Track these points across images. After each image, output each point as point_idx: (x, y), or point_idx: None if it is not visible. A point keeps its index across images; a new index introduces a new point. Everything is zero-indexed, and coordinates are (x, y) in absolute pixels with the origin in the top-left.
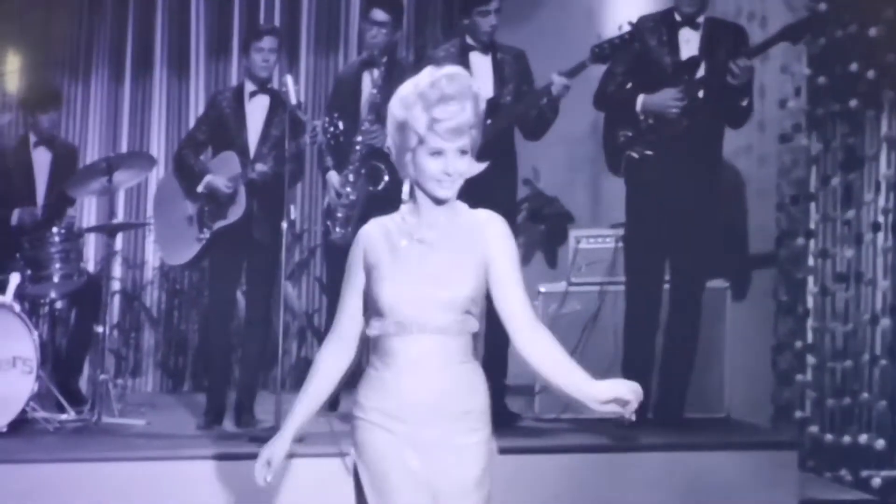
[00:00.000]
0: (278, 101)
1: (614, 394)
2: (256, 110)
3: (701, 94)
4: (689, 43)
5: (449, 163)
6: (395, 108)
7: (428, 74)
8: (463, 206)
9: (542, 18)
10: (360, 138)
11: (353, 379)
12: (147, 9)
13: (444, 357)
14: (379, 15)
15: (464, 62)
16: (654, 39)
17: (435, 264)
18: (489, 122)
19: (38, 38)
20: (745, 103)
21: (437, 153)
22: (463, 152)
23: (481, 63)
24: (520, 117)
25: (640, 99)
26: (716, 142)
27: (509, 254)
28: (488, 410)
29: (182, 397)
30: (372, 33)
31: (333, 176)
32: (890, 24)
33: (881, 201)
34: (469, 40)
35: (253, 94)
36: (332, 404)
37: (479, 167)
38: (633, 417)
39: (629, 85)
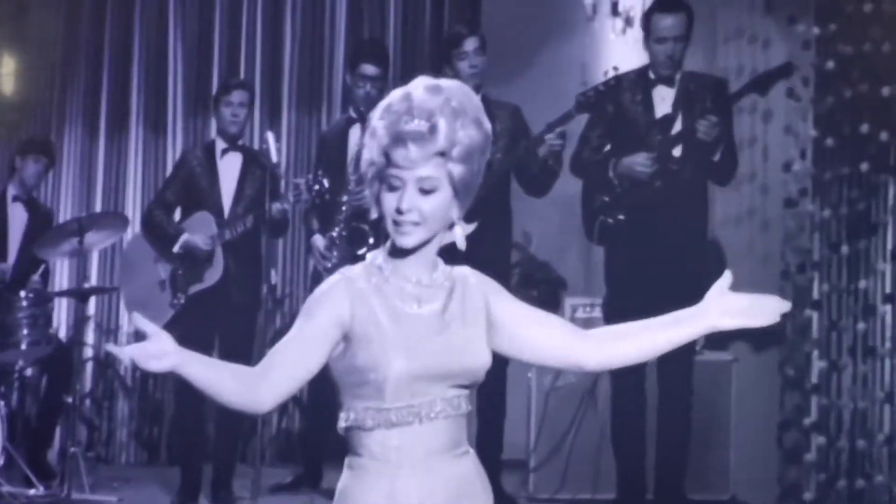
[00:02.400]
0: (251, 158)
1: (731, 307)
2: (229, 168)
3: (678, 152)
4: (665, 101)
5: (404, 198)
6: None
7: (412, 84)
8: (438, 259)
9: (533, 74)
10: (345, 198)
11: (339, 452)
12: (123, 65)
13: (454, 446)
14: (368, 69)
15: None
16: (628, 99)
17: (447, 330)
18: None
19: (9, 93)
20: (716, 158)
21: (394, 188)
22: (426, 191)
23: None
24: (517, 171)
25: (612, 163)
26: (699, 203)
27: (513, 297)
28: None
29: (157, 470)
30: (361, 88)
31: (318, 239)
32: None
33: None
34: None
35: (225, 152)
36: (315, 480)
37: (467, 228)
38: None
39: (607, 147)
